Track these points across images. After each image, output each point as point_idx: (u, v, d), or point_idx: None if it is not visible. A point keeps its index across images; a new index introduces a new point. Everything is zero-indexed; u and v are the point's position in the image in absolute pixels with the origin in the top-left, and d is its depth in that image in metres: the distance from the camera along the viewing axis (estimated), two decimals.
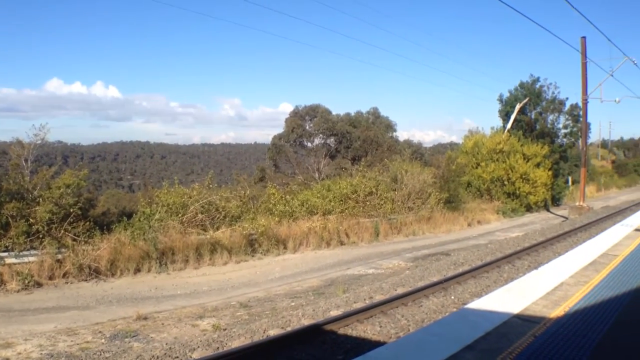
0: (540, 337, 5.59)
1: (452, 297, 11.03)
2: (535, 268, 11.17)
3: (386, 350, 5.70)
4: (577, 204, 29.52)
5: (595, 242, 13.09)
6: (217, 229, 15.69)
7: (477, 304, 7.12)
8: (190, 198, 15.85)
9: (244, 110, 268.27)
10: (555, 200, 35.85)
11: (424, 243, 19.22)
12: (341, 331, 8.57)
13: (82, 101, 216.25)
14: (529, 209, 30.97)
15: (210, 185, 17.41)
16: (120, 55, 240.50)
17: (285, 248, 16.46)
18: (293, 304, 10.86)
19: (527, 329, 5.85)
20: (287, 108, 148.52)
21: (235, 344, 7.87)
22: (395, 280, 12.68)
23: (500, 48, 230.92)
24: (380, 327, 8.95)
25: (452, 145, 54.89)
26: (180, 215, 15.25)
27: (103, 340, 8.34)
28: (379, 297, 10.90)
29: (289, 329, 8.72)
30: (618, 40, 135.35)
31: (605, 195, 48.95)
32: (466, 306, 7.37)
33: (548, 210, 32.69)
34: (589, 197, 39.50)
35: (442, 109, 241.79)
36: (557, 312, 6.58)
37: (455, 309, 8.88)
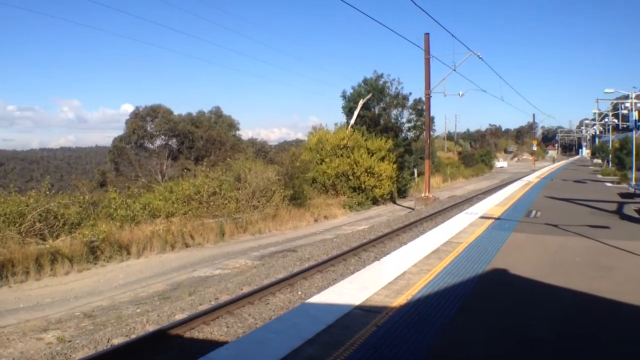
0: (382, 327, 6.12)
1: (299, 293, 12.20)
2: (378, 259, 11.75)
3: (226, 350, 6.11)
4: (423, 195, 32.81)
5: (440, 230, 13.96)
6: (57, 237, 16.24)
7: (319, 298, 7.54)
8: (28, 206, 16.32)
9: (84, 112, 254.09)
10: (402, 193, 39.95)
11: (271, 241, 20.76)
12: (187, 335, 9.40)
13: None
14: (375, 202, 34.37)
15: (47, 192, 17.94)
16: None
17: (128, 254, 17.10)
18: (138, 310, 11.50)
19: (369, 319, 6.36)
20: (129, 109, 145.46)
21: (79, 355, 8.53)
22: (242, 279, 13.75)
23: (346, 46, 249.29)
24: (227, 327, 9.85)
25: (297, 143, 58.65)
26: (17, 224, 15.73)
27: None
28: (225, 298, 11.79)
29: (133, 336, 9.34)
30: (463, 35, 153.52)
31: (452, 185, 54.91)
32: (308, 301, 7.73)
33: (395, 203, 36.33)
34: (435, 188, 44.82)
35: (288, 107, 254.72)
36: (399, 301, 7.16)
37: (302, 303, 9.22)
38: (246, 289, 12.47)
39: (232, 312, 10.63)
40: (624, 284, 8.31)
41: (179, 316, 10.45)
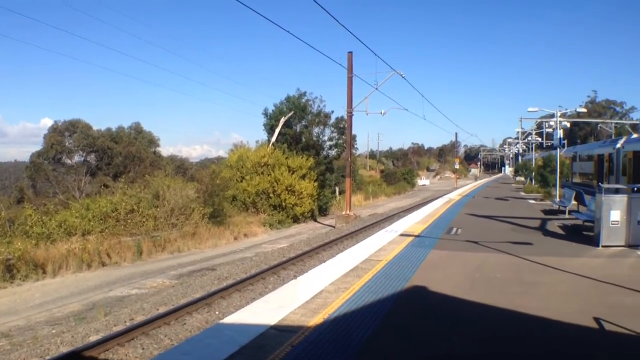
0: (297, 347, 6.08)
1: (217, 313, 12.36)
2: (295, 278, 11.91)
3: None
4: (344, 212, 33.61)
5: (360, 248, 13.93)
6: None
7: (234, 318, 7.48)
8: None
9: (4, 126, 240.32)
10: (323, 211, 41.17)
11: (190, 259, 20.95)
12: (102, 356, 9.41)
13: None
14: (296, 220, 35.33)
15: None
16: None
17: (44, 272, 17.40)
18: (54, 331, 11.59)
19: (285, 339, 6.30)
20: (48, 123, 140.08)
21: None
22: (158, 299, 13.93)
23: (270, 64, 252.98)
24: (143, 349, 9.97)
25: (218, 160, 58.97)
26: None
27: None
28: (140, 318, 11.86)
29: (47, 357, 9.49)
30: (386, 54, 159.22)
31: (373, 203, 55.75)
32: (222, 321, 7.57)
33: (315, 221, 37.26)
34: (357, 206, 45.87)
35: (210, 124, 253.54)
36: (315, 320, 7.10)
37: (215, 323, 9.30)
38: (162, 309, 12.60)
39: (147, 333, 10.69)
40: (547, 300, 8.52)
41: (94, 337, 10.56)
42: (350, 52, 33.08)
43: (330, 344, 6.20)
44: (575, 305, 8.18)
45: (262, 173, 35.16)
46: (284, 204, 34.57)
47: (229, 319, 7.61)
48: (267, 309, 7.75)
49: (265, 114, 44.67)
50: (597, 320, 7.33)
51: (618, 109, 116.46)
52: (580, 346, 6.44)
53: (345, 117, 35.94)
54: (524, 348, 6.32)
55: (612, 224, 13.76)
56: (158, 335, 10.70)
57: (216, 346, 6.25)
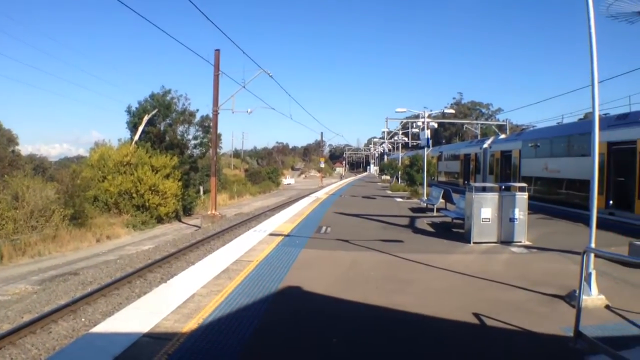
0: (173, 355, 5.92)
1: (83, 320, 12.18)
2: (165, 281, 11.57)
3: None
4: (209, 212, 34.21)
5: (229, 249, 13.80)
6: None
7: (104, 327, 7.19)
8: None
9: None
10: (187, 211, 41.29)
11: (51, 263, 20.55)
12: None
13: None
14: (160, 220, 35.35)
15: None
16: None
17: None
18: None
19: (160, 348, 6.12)
20: None
21: None
22: (22, 306, 13.58)
23: (136, 60, 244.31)
24: (12, 359, 9.80)
25: (79, 159, 57.88)
26: None
27: None
28: (6, 327, 11.58)
29: None
30: (254, 53, 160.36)
31: (239, 203, 56.58)
32: (92, 330, 7.26)
33: (180, 221, 37.40)
34: (222, 205, 46.19)
35: (70, 121, 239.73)
36: (190, 325, 6.99)
37: (86, 332, 8.62)
38: (27, 317, 12.34)
39: (14, 343, 10.45)
40: (425, 297, 8.71)
41: None
42: (218, 50, 33.82)
43: (207, 351, 6.09)
44: (454, 301, 8.44)
45: (125, 172, 34.82)
46: (147, 204, 34.51)
47: (99, 328, 7.21)
48: (138, 316, 7.51)
49: (129, 111, 44.35)
50: (477, 316, 7.61)
51: (484, 110, 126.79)
52: (464, 342, 6.63)
53: (211, 115, 36.40)
54: (409, 346, 6.43)
55: (482, 221, 14.29)
56: (25, 345, 10.53)
57: (88, 358, 6.06)
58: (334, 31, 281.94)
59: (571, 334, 6.48)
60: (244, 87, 34.50)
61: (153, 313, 7.55)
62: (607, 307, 8.10)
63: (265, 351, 6.22)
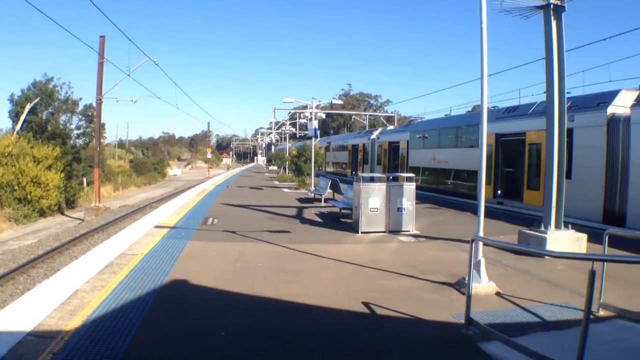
0: (59, 354, 5.83)
1: None
2: (48, 277, 11.33)
3: None
4: (93, 205, 33.92)
5: (113, 242, 13.54)
6: None
7: None
8: None
9: None
10: (70, 203, 40.25)
11: None
12: None
13: None
14: (42, 213, 34.34)
15: None
16: None
17: None
18: None
19: (45, 346, 6.03)
20: None
21: None
22: None
23: (18, 46, 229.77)
24: None
25: None
26: None
27: None
28: None
29: None
30: (140, 40, 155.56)
31: (124, 194, 55.70)
32: None
33: (63, 214, 36.63)
34: (106, 197, 45.49)
35: None
36: (74, 323, 6.87)
37: None
38: None
39: None
40: (314, 288, 8.85)
41: None
42: (103, 36, 33.34)
43: (92, 349, 6.02)
44: (343, 291, 8.60)
45: (7, 164, 33.93)
46: (29, 196, 33.67)
47: None
48: (22, 313, 7.34)
49: (12, 100, 43.11)
50: (366, 304, 7.78)
51: (373, 101, 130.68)
52: (355, 331, 6.79)
53: (95, 104, 36.04)
54: (299, 338, 6.52)
55: (371, 210, 14.69)
56: None
57: None
58: (223, 21, 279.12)
59: (462, 320, 6.70)
60: (128, 75, 33.74)
61: (37, 310, 7.48)
62: (498, 293, 8.49)
63: (151, 347, 6.21)
